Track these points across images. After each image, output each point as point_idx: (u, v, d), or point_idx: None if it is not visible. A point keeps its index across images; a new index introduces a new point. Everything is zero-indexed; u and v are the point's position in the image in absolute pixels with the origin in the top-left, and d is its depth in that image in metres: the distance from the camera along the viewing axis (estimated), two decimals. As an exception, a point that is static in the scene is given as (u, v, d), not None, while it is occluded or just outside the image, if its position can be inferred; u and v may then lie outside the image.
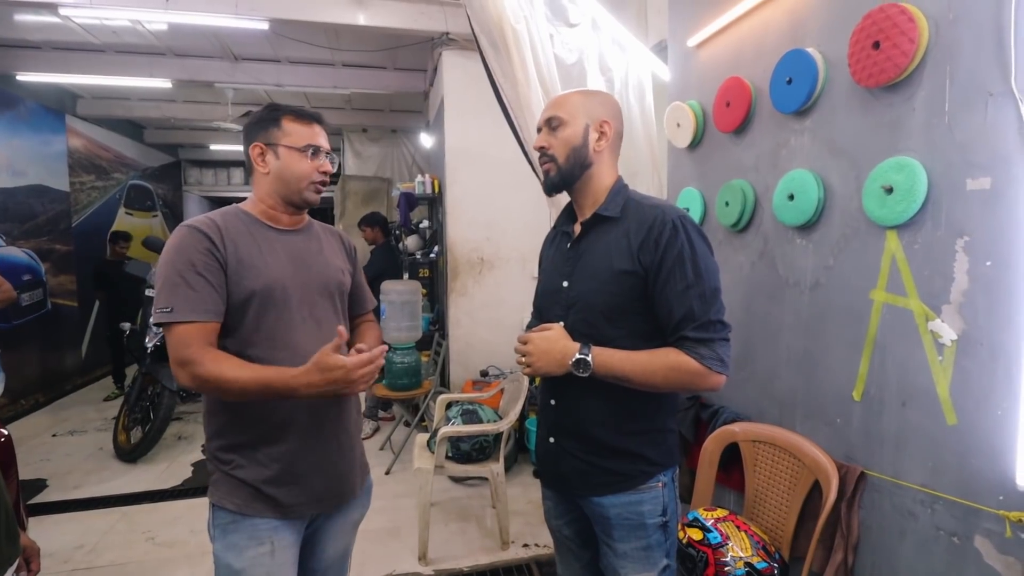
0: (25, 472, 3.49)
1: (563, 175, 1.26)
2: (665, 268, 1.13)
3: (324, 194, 1.35)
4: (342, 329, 1.13)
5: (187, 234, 1.18)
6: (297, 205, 1.31)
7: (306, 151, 1.27)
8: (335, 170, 1.36)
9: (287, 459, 1.23)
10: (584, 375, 1.15)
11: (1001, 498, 1.12)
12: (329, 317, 1.31)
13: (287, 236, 1.31)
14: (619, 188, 1.26)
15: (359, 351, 1.14)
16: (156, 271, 1.19)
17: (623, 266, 1.17)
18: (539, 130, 1.30)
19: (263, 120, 1.28)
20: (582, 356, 1.14)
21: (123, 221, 6.96)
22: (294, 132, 1.27)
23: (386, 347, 1.24)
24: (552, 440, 1.31)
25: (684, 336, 1.12)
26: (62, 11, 3.73)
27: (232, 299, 1.19)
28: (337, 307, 1.37)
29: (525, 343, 1.20)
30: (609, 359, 1.14)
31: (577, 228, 1.31)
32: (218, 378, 1.10)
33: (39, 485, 3.43)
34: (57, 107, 5.69)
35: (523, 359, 1.20)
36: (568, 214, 1.36)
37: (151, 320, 1.14)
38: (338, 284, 1.36)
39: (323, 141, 1.31)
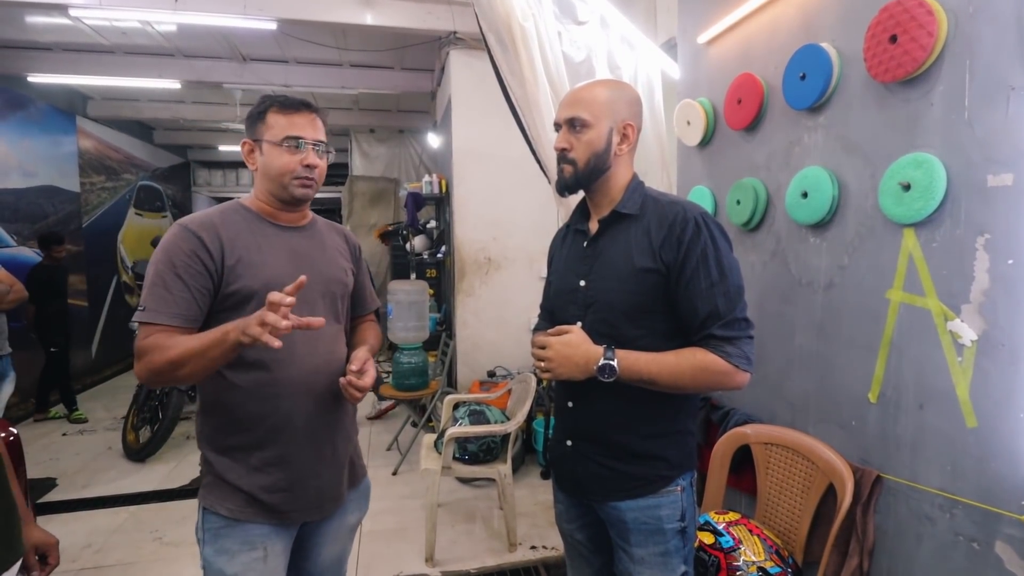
0: (35, 471, 3.51)
1: (579, 178, 1.21)
2: (689, 266, 1.10)
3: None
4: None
5: (177, 233, 1.15)
6: (287, 202, 1.25)
7: (284, 144, 1.19)
8: (322, 161, 1.25)
9: (282, 464, 1.20)
10: (609, 380, 1.09)
11: (1023, 503, 1.10)
12: (328, 320, 1.26)
13: (288, 233, 1.27)
14: (636, 185, 1.24)
15: (350, 371, 1.21)
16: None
17: (645, 263, 1.13)
18: (557, 126, 1.23)
19: (252, 115, 1.24)
20: (608, 361, 1.08)
21: (133, 222, 7.02)
22: (275, 125, 1.20)
23: (371, 360, 1.26)
24: (569, 443, 1.27)
25: (710, 335, 1.10)
26: (72, 12, 3.77)
27: (229, 300, 1.15)
28: (338, 309, 1.33)
29: (543, 347, 1.15)
30: (635, 363, 1.10)
31: (593, 226, 1.26)
32: (178, 355, 1.05)
33: (48, 484, 3.45)
34: (67, 108, 5.73)
35: (542, 364, 1.15)
36: (582, 211, 1.32)
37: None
38: (340, 285, 1.33)
39: (307, 131, 1.21)
